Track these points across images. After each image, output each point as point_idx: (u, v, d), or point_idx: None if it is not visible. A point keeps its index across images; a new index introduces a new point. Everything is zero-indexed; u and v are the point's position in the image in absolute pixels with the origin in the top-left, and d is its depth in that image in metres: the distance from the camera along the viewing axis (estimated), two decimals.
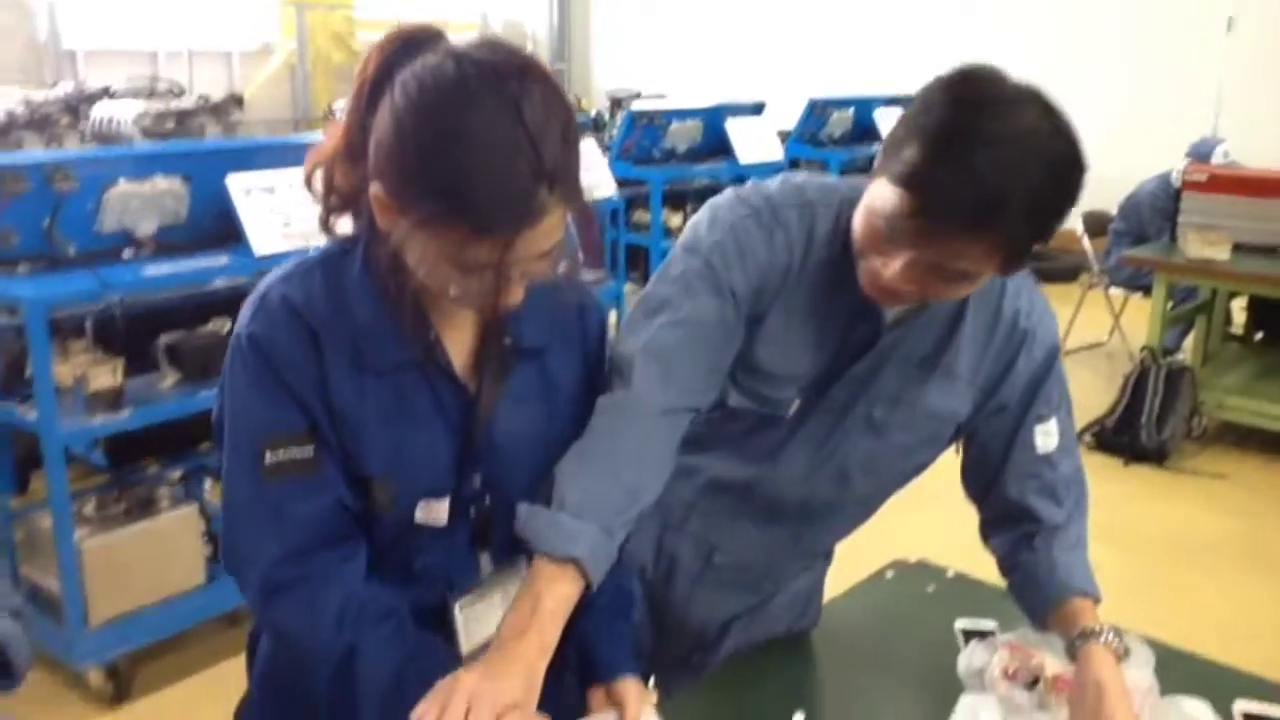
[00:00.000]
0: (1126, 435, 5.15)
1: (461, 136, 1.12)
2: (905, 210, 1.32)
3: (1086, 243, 6.50)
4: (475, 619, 1.36)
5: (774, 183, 1.57)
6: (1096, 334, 6.76)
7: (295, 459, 1.25)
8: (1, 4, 7.89)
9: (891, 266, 1.37)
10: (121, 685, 3.21)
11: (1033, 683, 1.55)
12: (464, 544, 1.36)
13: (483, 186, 1.12)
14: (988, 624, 1.79)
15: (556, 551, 1.27)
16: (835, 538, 1.84)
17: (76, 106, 4.99)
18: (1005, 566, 1.70)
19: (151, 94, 5.83)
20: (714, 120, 6.71)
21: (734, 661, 1.79)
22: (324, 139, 1.29)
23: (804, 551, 1.80)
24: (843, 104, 7.84)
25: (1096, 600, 1.60)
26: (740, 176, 5.99)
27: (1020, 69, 1.34)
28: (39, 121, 4.76)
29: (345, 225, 1.31)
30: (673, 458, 1.46)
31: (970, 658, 1.64)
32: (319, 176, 1.28)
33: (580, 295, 1.46)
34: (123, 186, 3.10)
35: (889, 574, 2.06)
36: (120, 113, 4.91)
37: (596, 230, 1.34)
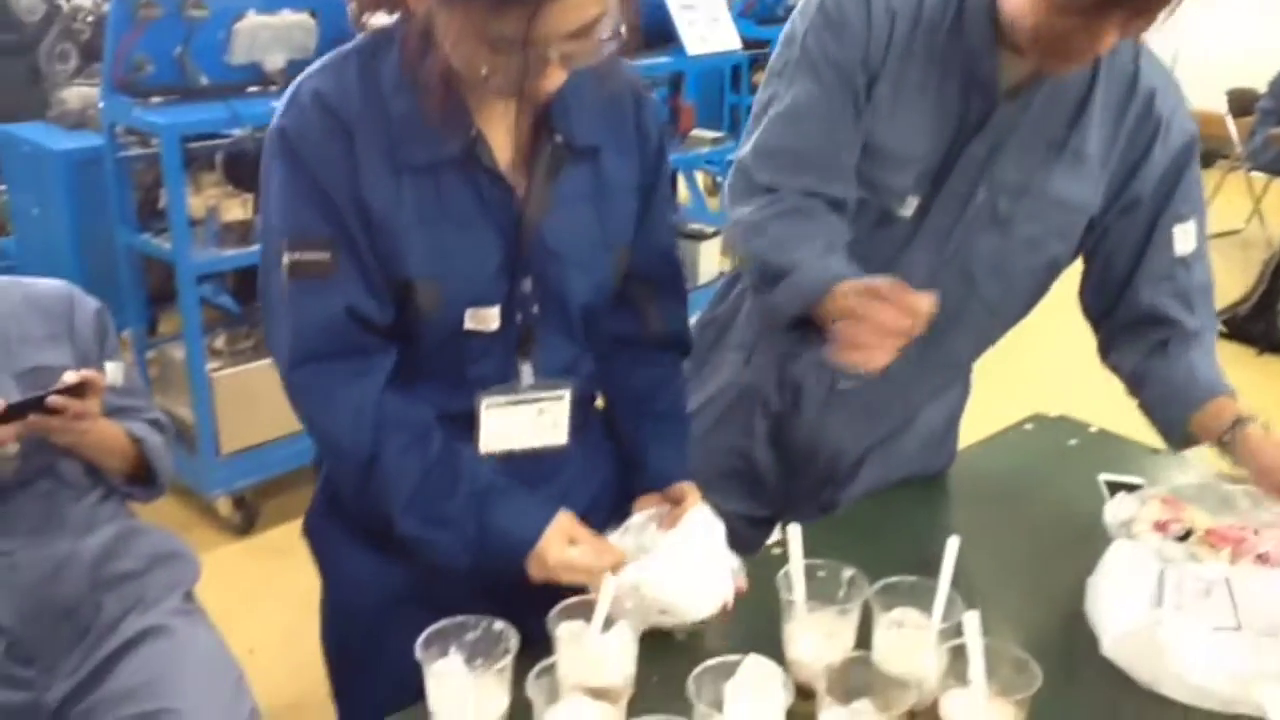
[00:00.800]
0: (1261, 324, 4.96)
1: None
2: None
3: (1230, 122, 6.15)
4: (501, 424, 1.32)
5: None
6: (1233, 220, 6.44)
7: (311, 260, 1.22)
8: None
9: (1102, 40, 1.29)
10: (249, 515, 3.31)
11: (1184, 536, 1.47)
12: (509, 352, 1.31)
13: None
14: (1134, 479, 1.71)
15: None
16: (966, 353, 1.74)
17: None
18: (1135, 379, 1.64)
19: None
20: None
21: (868, 499, 1.75)
22: None
23: (934, 367, 1.69)
24: None
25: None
26: None
27: None
28: None
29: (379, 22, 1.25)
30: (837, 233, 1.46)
31: (1118, 509, 1.57)
32: None
33: (635, 91, 1.37)
34: (252, 18, 3.06)
35: (1028, 426, 1.99)
36: None
37: (635, 9, 1.23)
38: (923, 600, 1.22)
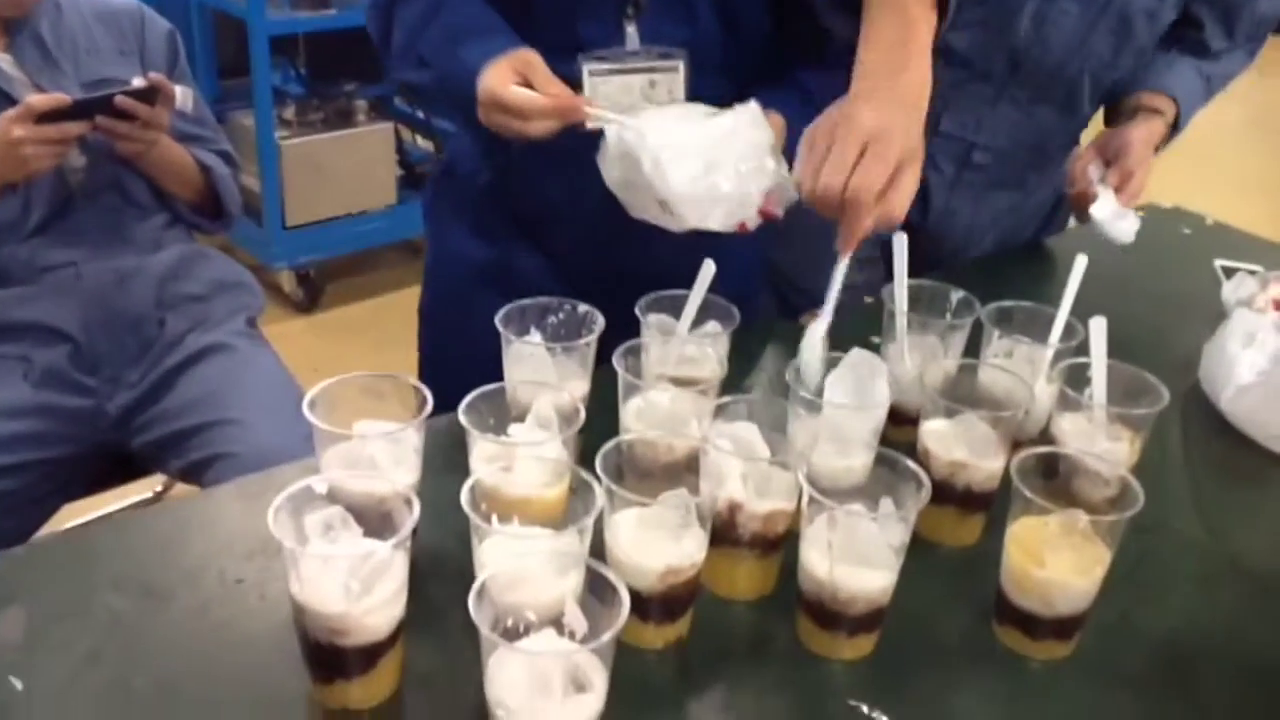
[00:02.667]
0: None
1: None
2: None
3: None
4: (609, 96, 1.15)
5: None
6: None
7: None
8: None
9: None
10: (312, 292, 3.28)
11: None
12: (615, 9, 1.17)
13: None
14: (1251, 266, 1.61)
15: None
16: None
17: None
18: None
19: None
20: None
21: (979, 259, 1.67)
22: None
23: (1072, 127, 1.62)
24: None
25: (1176, 119, 1.51)
26: None
27: None
28: None
29: None
30: None
31: (1237, 288, 1.47)
32: None
33: None
34: None
35: (1140, 213, 1.88)
36: None
37: None
38: (1036, 329, 1.13)
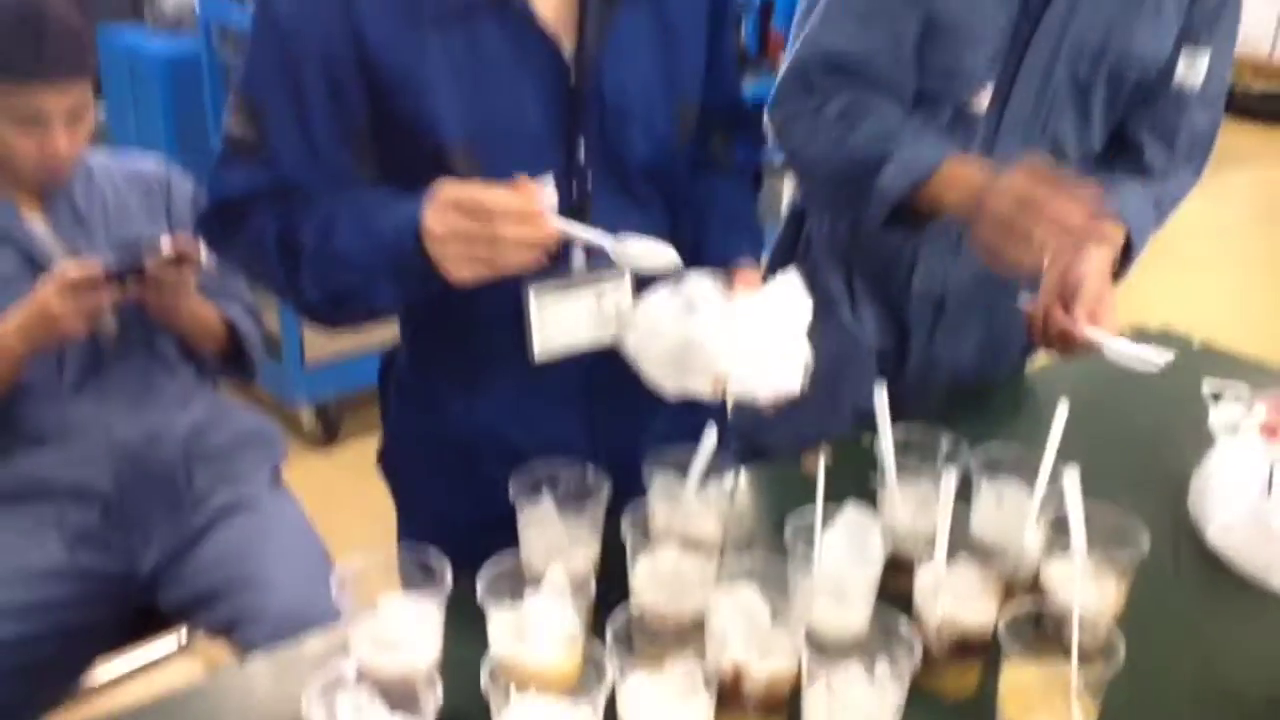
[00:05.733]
0: None
1: None
2: None
3: None
4: (556, 317, 1.17)
5: None
6: None
7: (240, 137, 1.13)
8: None
9: None
10: (330, 428, 3.36)
11: None
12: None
13: None
14: (1239, 385, 1.66)
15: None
16: None
17: None
18: None
19: None
20: None
21: (966, 394, 1.70)
22: None
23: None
24: None
25: (1130, 244, 1.51)
26: None
27: None
28: None
29: None
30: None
31: (1224, 414, 1.53)
32: None
33: None
34: None
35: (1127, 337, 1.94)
36: None
37: None
38: (1025, 471, 1.18)
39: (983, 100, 1.47)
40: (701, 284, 1.12)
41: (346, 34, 1.09)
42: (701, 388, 1.12)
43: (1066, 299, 1.44)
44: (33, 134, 1.63)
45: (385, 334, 3.64)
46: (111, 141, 3.74)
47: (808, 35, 1.49)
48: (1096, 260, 1.46)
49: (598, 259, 1.15)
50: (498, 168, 1.08)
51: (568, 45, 1.14)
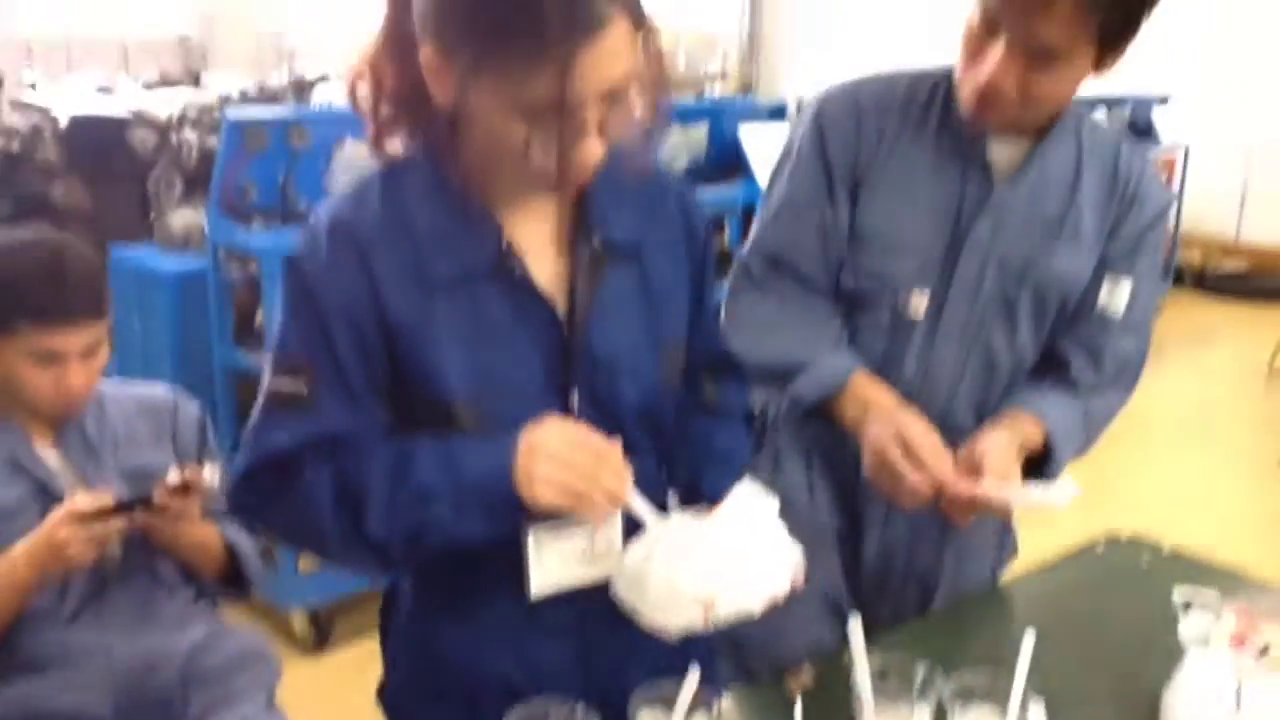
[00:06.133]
0: None
1: None
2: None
3: None
4: (550, 551, 1.24)
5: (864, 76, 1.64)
6: None
7: (289, 392, 1.19)
8: (233, 3, 8.45)
9: (989, 61, 1.42)
10: (323, 633, 3.35)
11: (1263, 650, 1.46)
12: None
13: None
14: (1209, 593, 1.70)
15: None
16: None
17: (301, 90, 5.29)
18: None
19: None
20: None
21: (939, 614, 1.75)
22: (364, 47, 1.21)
23: None
24: None
25: (1050, 447, 1.57)
26: None
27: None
28: (268, 101, 5.06)
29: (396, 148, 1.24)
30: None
31: (1194, 623, 1.56)
32: (364, 88, 1.20)
33: (678, 190, 1.36)
34: (350, 147, 3.25)
35: (1099, 548, 1.99)
36: (340, 96, 5.16)
37: (668, 88, 1.20)
38: (997, 697, 1.23)
39: (919, 306, 1.58)
40: (674, 521, 1.19)
41: (366, 296, 1.19)
42: (695, 619, 1.17)
43: (972, 471, 1.48)
44: (49, 370, 1.72)
45: None
46: (116, 353, 3.86)
47: (754, 231, 1.67)
48: (997, 436, 1.52)
49: None
50: (499, 419, 1.19)
51: (561, 306, 1.24)
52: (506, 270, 1.21)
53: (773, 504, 1.21)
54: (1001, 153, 1.55)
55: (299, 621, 3.32)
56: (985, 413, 1.64)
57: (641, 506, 1.19)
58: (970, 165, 1.54)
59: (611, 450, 1.17)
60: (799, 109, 7.31)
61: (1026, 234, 1.56)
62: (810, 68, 11.77)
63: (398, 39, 1.16)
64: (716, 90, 8.68)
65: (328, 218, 1.21)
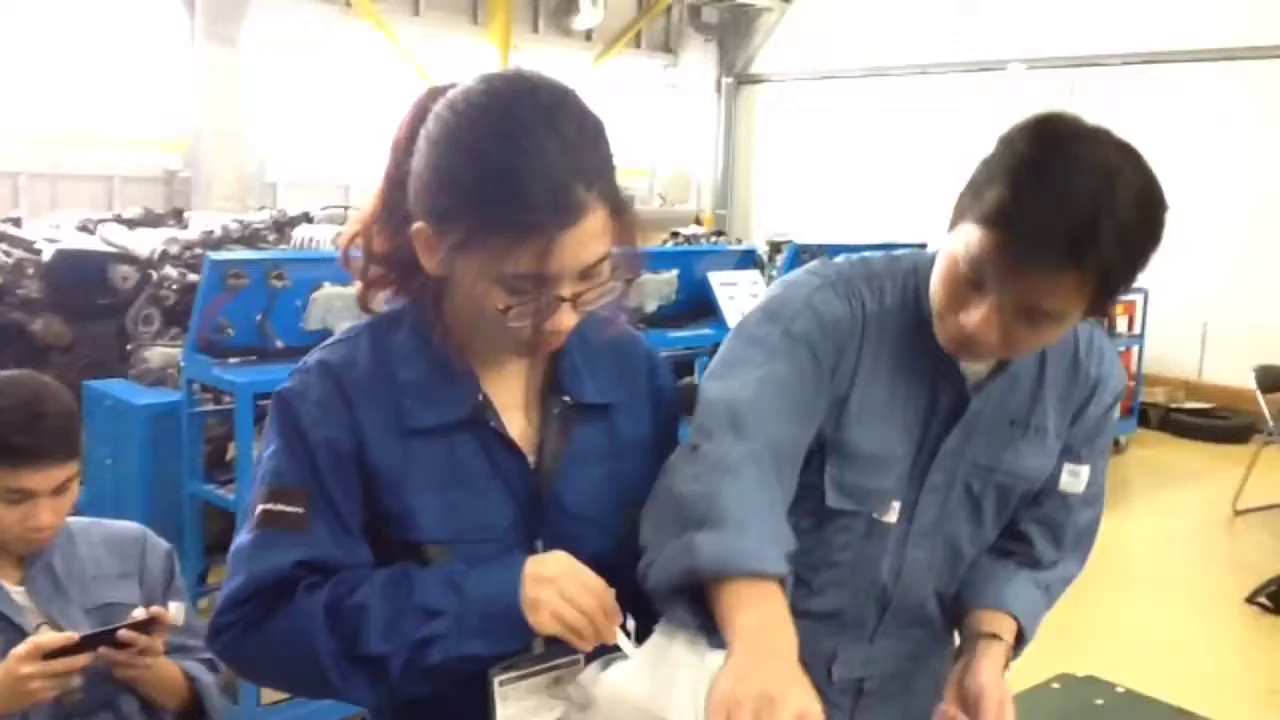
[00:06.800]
0: None
1: (496, 138, 1.14)
2: (994, 247, 1.31)
3: (1261, 399, 6.27)
4: (515, 699, 1.27)
5: (841, 259, 1.57)
6: (1272, 495, 6.45)
7: (284, 512, 1.24)
8: (217, 141, 8.65)
9: (975, 315, 1.36)
10: None
11: None
12: None
13: (520, 182, 1.13)
14: None
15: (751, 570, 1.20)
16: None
17: (281, 227, 5.41)
18: (970, 569, 1.65)
19: (344, 220, 6.24)
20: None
21: None
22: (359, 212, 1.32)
23: (943, 636, 1.73)
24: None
25: (1022, 634, 1.59)
26: None
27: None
28: (249, 238, 5.17)
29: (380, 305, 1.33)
30: (785, 487, 1.41)
31: None
32: (357, 249, 1.29)
33: (646, 352, 1.44)
34: (328, 289, 3.34)
35: (1055, 685, 2.02)
36: (319, 234, 5.28)
37: (641, 260, 1.30)
38: None
39: (893, 514, 1.57)
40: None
41: (350, 439, 1.25)
42: None
43: (969, 710, 1.50)
44: (18, 508, 1.76)
45: None
46: (89, 483, 3.88)
47: (732, 383, 1.44)
48: (990, 666, 1.53)
49: (554, 645, 1.26)
50: (467, 561, 1.24)
51: (531, 459, 1.31)
52: (482, 422, 1.28)
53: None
54: (974, 363, 1.53)
55: None
56: (946, 595, 1.66)
57: (625, 643, 1.24)
58: (944, 378, 1.53)
59: (607, 594, 1.23)
60: (773, 249, 7.55)
61: (994, 437, 1.56)
62: (784, 211, 12.13)
63: (391, 211, 1.27)
64: (691, 229, 8.90)
65: (318, 361, 1.29)
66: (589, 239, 1.17)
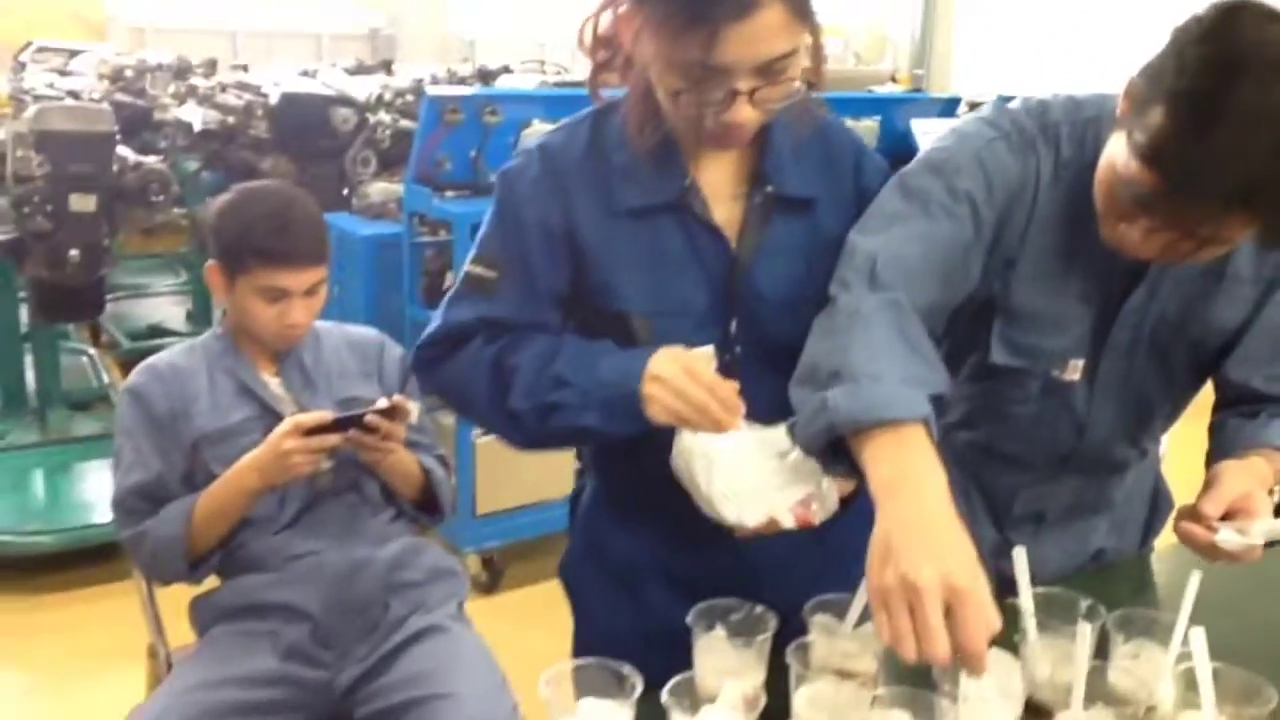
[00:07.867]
0: None
1: None
2: (1150, 186, 1.22)
3: None
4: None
5: (1019, 103, 1.46)
6: None
7: (480, 275, 1.39)
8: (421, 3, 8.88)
9: (1134, 232, 1.29)
10: (494, 575, 3.56)
11: None
12: None
13: None
14: None
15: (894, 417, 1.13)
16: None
17: (485, 77, 5.54)
18: (1211, 430, 1.54)
19: (544, 73, 6.33)
20: None
21: (1108, 570, 1.75)
22: None
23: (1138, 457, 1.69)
24: None
25: None
26: None
27: None
28: (456, 85, 5.31)
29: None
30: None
31: None
32: (589, 32, 1.31)
33: (855, 145, 1.44)
34: (537, 126, 3.42)
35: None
36: (520, 84, 5.37)
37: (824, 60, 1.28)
38: (1159, 633, 1.28)
39: (1074, 372, 1.52)
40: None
41: (561, 215, 1.36)
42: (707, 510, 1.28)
43: (1226, 517, 1.38)
44: (275, 306, 1.93)
45: (549, 490, 3.89)
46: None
47: (886, 238, 1.35)
48: (1242, 466, 1.43)
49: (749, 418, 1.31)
50: (668, 336, 1.33)
51: (733, 243, 1.37)
52: (686, 205, 1.34)
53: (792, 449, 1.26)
54: None
55: (473, 563, 3.53)
56: (1140, 442, 1.63)
57: (747, 431, 1.29)
58: None
59: (725, 387, 1.27)
60: (970, 108, 7.27)
61: (1182, 290, 1.47)
62: (982, 71, 11.62)
63: None
64: (888, 89, 8.64)
65: (538, 144, 1.39)
66: (764, 33, 1.16)
